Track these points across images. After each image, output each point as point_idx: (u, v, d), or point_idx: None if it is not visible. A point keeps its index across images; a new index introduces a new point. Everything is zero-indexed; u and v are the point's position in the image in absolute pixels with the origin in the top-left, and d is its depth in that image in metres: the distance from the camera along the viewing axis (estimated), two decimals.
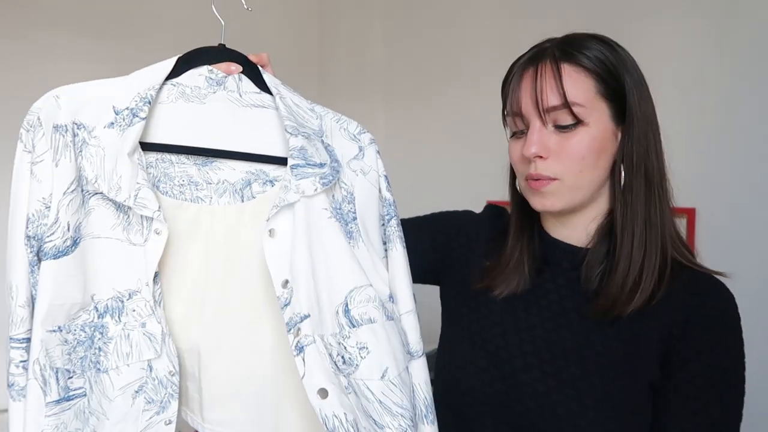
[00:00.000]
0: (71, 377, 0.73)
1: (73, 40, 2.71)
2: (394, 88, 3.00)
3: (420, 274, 0.94)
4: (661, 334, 0.75)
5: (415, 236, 0.92)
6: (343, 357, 0.71)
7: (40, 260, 0.71)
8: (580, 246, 0.81)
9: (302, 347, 0.71)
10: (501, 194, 0.93)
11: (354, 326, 0.72)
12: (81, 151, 0.73)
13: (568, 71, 0.74)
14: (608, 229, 0.79)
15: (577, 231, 0.82)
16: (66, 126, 0.73)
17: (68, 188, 0.72)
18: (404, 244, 0.81)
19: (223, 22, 0.89)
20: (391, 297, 0.77)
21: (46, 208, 0.72)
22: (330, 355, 0.71)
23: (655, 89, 2.06)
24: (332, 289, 0.73)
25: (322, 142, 0.78)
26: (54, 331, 0.71)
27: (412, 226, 0.94)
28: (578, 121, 0.73)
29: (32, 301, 0.71)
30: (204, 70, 0.81)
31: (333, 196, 0.76)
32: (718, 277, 0.80)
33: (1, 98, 2.58)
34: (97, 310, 0.74)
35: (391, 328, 0.74)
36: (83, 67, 2.73)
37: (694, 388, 0.75)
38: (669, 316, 0.75)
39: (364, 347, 0.71)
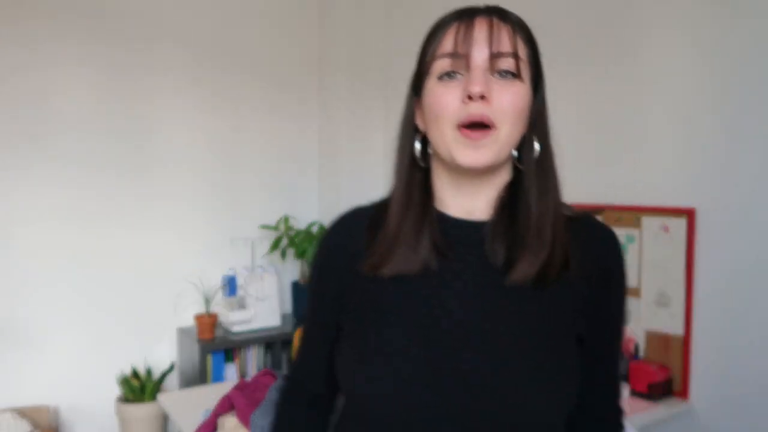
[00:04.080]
0: None
1: (78, 48, 2.71)
2: (394, 91, 3.01)
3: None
4: (585, 287, 0.80)
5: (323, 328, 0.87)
6: None
7: None
8: (480, 220, 0.81)
9: None
10: None
11: None
12: None
13: (516, 32, 0.77)
14: (507, 201, 0.80)
15: (476, 201, 0.81)
16: None
17: None
18: None
19: None
20: None
21: None
22: None
23: (654, 89, 2.07)
24: None
25: None
26: None
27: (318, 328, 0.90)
28: (518, 75, 0.76)
29: None
30: None
31: None
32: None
33: (9, 103, 2.60)
34: None
35: None
36: (87, 73, 2.75)
37: (615, 325, 0.85)
38: (588, 269, 0.80)
39: None
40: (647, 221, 1.87)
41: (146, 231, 2.92)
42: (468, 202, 0.81)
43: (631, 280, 1.92)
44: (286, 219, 3.17)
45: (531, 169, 0.79)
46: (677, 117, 1.80)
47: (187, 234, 3.03)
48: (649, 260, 1.87)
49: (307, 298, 0.92)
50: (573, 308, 0.79)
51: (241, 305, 2.95)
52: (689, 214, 1.76)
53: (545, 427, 0.76)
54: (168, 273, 2.97)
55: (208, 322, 2.83)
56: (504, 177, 0.81)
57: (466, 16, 0.77)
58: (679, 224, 1.78)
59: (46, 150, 2.68)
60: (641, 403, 1.74)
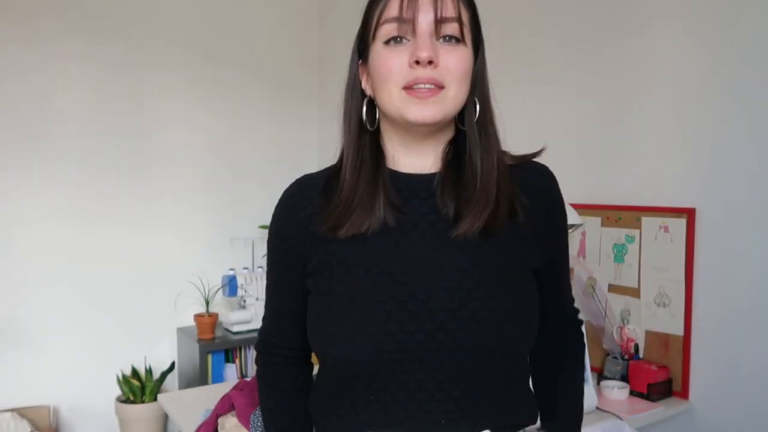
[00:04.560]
0: None
1: (79, 48, 2.71)
2: None
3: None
4: (533, 226, 0.84)
5: (290, 297, 0.89)
6: None
7: None
8: (431, 173, 0.84)
9: None
10: None
11: None
12: None
13: None
14: (453, 156, 0.84)
15: (426, 158, 0.84)
16: None
17: None
18: None
19: None
20: None
21: None
22: None
23: (654, 89, 2.07)
24: None
25: None
26: None
27: (283, 298, 0.92)
28: (462, 39, 0.78)
29: None
30: None
31: None
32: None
33: (13, 101, 2.60)
34: None
35: None
36: (88, 72, 2.74)
37: (563, 248, 0.92)
38: (535, 209, 0.84)
39: None
40: (647, 221, 1.87)
41: (146, 231, 2.92)
42: (418, 160, 0.84)
43: (631, 280, 1.92)
44: None
45: (473, 130, 0.82)
46: (677, 117, 1.80)
47: (187, 234, 3.03)
48: (649, 260, 1.87)
49: (267, 263, 0.93)
50: (525, 247, 0.83)
51: (241, 305, 2.95)
52: (689, 214, 1.76)
53: (511, 358, 0.81)
54: (168, 273, 2.97)
55: (208, 322, 2.83)
56: (448, 135, 0.85)
57: None
58: (679, 224, 1.78)
59: (46, 150, 2.68)
60: (641, 403, 1.74)
